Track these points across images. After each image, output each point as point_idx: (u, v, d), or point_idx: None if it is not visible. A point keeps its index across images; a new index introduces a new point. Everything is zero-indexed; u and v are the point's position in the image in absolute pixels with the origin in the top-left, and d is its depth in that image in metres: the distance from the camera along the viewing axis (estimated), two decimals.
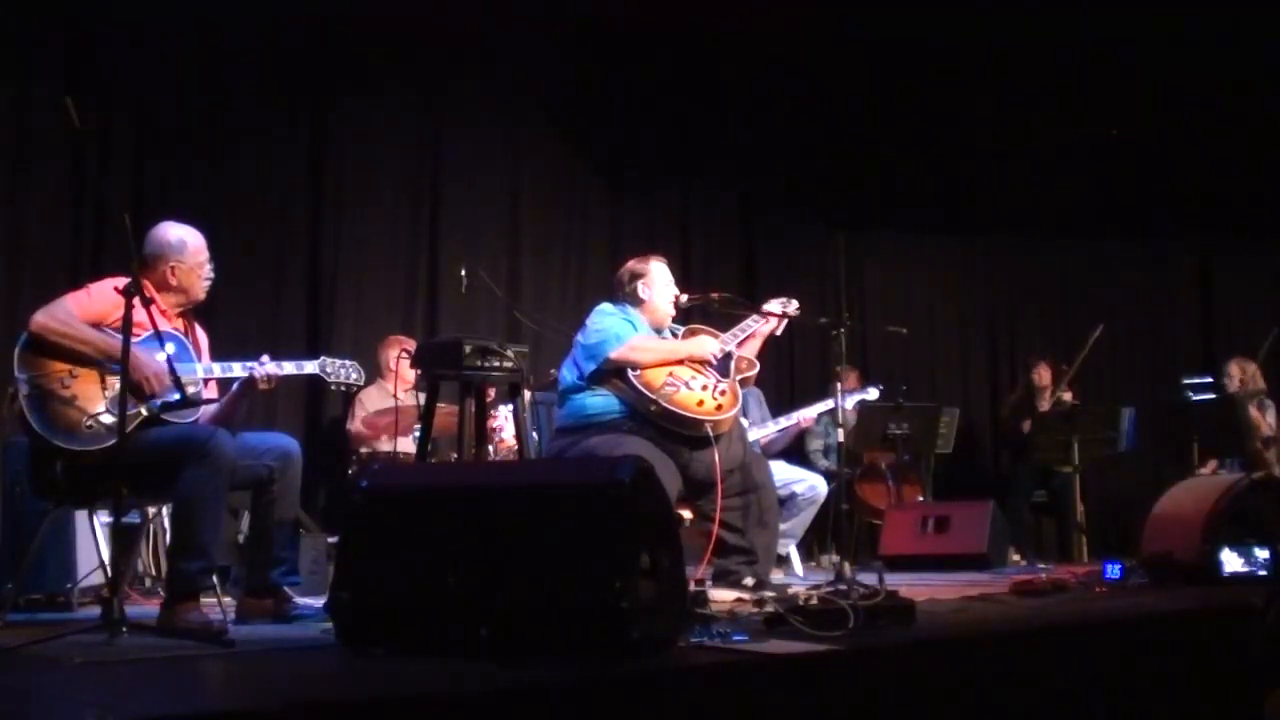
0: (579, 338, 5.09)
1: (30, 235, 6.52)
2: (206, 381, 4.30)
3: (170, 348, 4.06)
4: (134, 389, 3.89)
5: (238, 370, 4.29)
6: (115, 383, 3.85)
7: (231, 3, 7.04)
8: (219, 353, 4.44)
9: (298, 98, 7.47)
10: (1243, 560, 4.95)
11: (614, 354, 4.93)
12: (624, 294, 5.21)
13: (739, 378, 5.14)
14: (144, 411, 4.01)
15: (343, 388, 4.55)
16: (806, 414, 6.89)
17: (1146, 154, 9.44)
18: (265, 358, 4.32)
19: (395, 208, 7.83)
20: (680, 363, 5.04)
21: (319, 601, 4.10)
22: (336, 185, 7.56)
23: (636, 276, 5.21)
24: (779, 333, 5.41)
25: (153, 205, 6.34)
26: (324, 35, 7.46)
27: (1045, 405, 8.59)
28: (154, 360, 3.98)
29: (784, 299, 5.41)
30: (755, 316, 5.31)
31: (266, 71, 7.25)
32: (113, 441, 3.71)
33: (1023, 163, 9.42)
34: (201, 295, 4.37)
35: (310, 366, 4.43)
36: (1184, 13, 8.59)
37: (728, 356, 5.14)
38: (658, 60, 8.64)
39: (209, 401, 4.26)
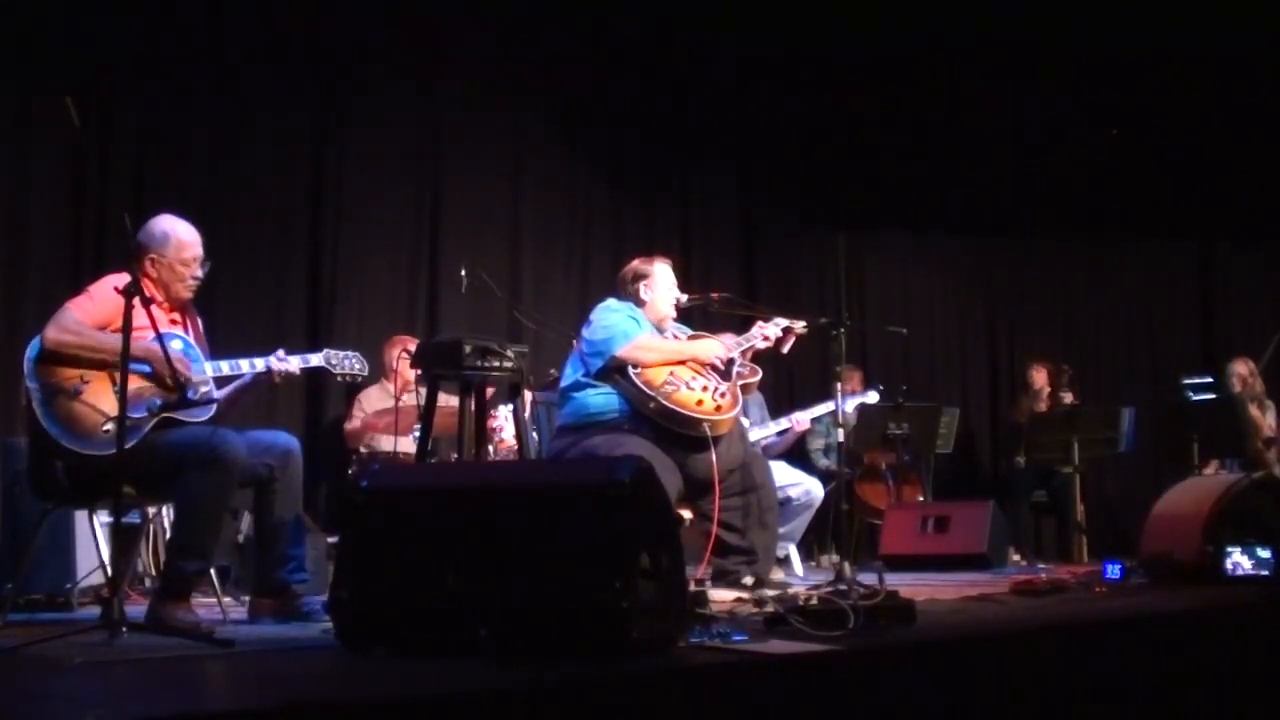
0: (584, 332, 5.09)
1: (31, 236, 6.50)
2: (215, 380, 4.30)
3: (177, 344, 4.07)
4: (160, 381, 3.98)
5: (247, 367, 4.30)
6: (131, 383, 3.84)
7: (232, 2, 7.04)
8: (220, 352, 4.43)
9: (299, 97, 7.46)
10: (1248, 560, 4.94)
11: (620, 352, 4.94)
12: (626, 293, 5.23)
13: (741, 384, 5.14)
14: (161, 401, 4.01)
15: (348, 378, 4.59)
16: (802, 417, 6.88)
17: (1146, 153, 9.43)
18: (281, 352, 4.35)
19: (396, 207, 7.82)
20: (683, 363, 5.05)
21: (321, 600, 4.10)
22: (337, 185, 7.55)
23: (640, 277, 5.23)
24: (785, 350, 5.41)
25: (153, 205, 6.32)
26: (325, 35, 7.44)
27: (1042, 406, 8.59)
28: (172, 350, 3.98)
29: (792, 319, 5.40)
30: (762, 324, 5.30)
31: (267, 71, 7.24)
32: (131, 444, 3.68)
33: (1023, 163, 9.42)
34: (184, 295, 4.25)
35: (315, 359, 4.49)
36: (1184, 11, 8.58)
37: (730, 362, 5.14)
38: (658, 60, 8.64)
39: (214, 401, 4.25)
